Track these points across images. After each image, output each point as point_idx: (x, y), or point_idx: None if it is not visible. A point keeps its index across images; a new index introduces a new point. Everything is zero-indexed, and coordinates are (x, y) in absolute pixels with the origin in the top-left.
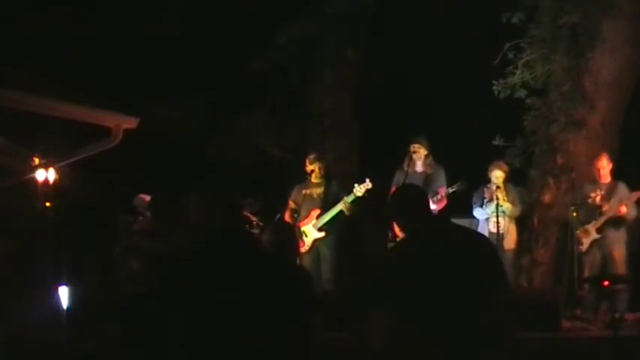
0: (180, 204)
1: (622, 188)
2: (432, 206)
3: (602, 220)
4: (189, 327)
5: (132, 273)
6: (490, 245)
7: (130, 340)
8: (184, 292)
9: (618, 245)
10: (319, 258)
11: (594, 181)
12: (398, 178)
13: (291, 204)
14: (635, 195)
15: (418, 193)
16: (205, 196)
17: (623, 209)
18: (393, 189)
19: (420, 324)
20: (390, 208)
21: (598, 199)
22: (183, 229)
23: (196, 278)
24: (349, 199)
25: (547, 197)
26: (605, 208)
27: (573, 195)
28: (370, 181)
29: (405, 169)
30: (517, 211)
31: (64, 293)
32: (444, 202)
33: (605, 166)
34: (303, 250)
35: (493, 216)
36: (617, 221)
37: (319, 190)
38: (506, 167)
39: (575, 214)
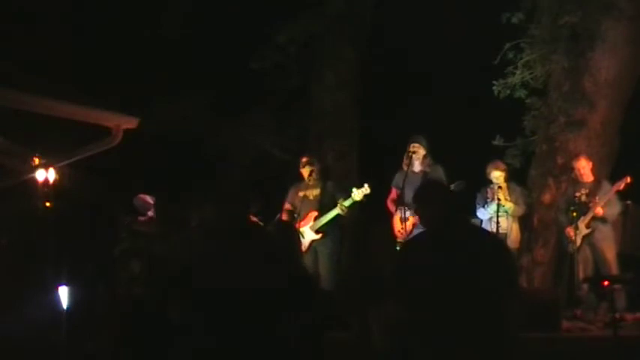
0: (180, 204)
1: (605, 185)
2: None
3: (590, 214)
4: (190, 327)
5: (132, 274)
6: (502, 247)
7: (130, 341)
8: (191, 293)
9: (607, 243)
10: (317, 259)
11: (576, 182)
12: (398, 179)
13: (288, 206)
14: (615, 188)
15: (442, 191)
16: (223, 196)
17: (599, 211)
18: (393, 191)
19: (420, 322)
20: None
21: (583, 197)
22: (185, 229)
23: (203, 278)
24: (347, 202)
25: (547, 197)
26: (593, 203)
27: (566, 197)
28: (369, 186)
29: (405, 169)
30: (520, 210)
31: (64, 293)
32: None
33: (584, 165)
34: None
35: (495, 216)
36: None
37: (315, 192)
38: (503, 166)
39: (574, 214)
